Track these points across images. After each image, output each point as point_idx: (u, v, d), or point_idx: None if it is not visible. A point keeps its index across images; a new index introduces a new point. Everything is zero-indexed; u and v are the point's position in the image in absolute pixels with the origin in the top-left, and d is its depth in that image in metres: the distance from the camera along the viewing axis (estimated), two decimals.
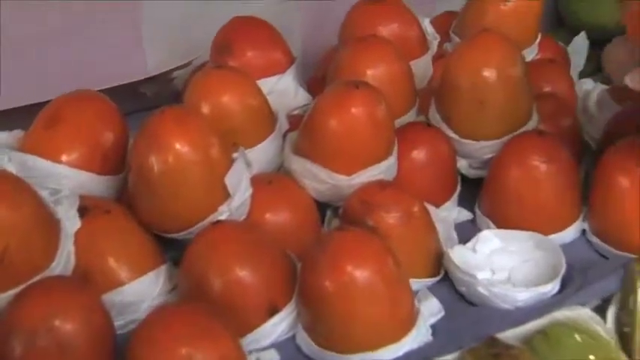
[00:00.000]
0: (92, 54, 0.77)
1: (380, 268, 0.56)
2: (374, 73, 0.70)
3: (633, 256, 0.62)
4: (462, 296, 0.63)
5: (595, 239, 0.67)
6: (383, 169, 0.65)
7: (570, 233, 0.67)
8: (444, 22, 0.84)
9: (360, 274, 0.55)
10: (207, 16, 0.80)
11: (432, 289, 0.63)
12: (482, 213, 0.70)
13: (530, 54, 0.81)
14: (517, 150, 0.67)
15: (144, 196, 0.61)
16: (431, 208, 0.66)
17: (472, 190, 0.71)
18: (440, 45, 0.82)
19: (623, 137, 0.68)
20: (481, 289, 0.61)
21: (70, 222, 0.58)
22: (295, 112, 0.73)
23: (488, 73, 0.68)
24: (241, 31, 0.74)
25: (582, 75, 0.87)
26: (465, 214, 0.71)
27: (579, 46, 0.88)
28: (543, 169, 0.66)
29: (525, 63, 0.70)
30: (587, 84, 0.81)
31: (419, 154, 0.69)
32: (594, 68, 0.89)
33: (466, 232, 0.68)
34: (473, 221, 0.71)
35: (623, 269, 0.61)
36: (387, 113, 0.65)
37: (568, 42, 0.89)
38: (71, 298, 0.54)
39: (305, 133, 0.66)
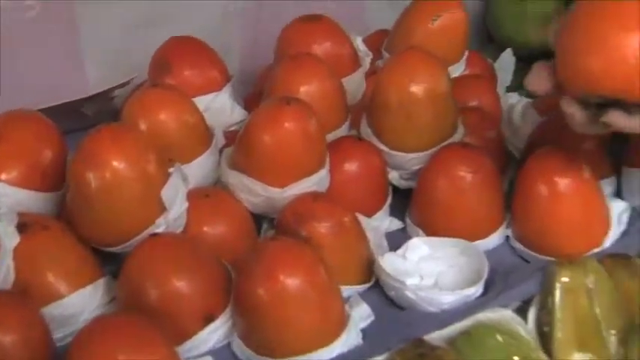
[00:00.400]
0: (32, 73, 0.79)
1: (311, 277, 0.59)
2: (307, 89, 0.73)
3: (552, 259, 0.66)
4: (391, 301, 0.66)
5: (517, 244, 0.71)
6: (315, 182, 0.68)
7: (494, 239, 0.71)
8: (377, 40, 0.88)
9: (293, 283, 0.58)
10: (147, 35, 0.82)
11: (363, 295, 0.66)
12: (412, 222, 0.73)
13: (458, 70, 0.84)
14: (443, 161, 0.71)
15: (82, 211, 0.63)
16: (362, 218, 0.69)
17: (403, 200, 0.75)
18: (373, 62, 0.85)
19: (543, 147, 0.72)
20: (409, 294, 0.64)
21: (9, 238, 0.60)
22: (232, 129, 0.76)
23: (415, 89, 0.71)
24: (179, 50, 0.77)
25: (509, 89, 0.91)
26: (396, 223, 0.74)
27: (506, 62, 0.92)
28: (468, 179, 0.70)
29: (450, 79, 0.74)
30: (513, 98, 0.85)
31: (350, 167, 0.72)
32: (521, 82, 0.93)
33: (397, 240, 0.71)
34: (404, 230, 0.74)
35: (542, 272, 0.65)
36: (318, 128, 0.68)
37: (496, 58, 0.93)
38: (10, 311, 0.56)
39: (240, 148, 0.69)
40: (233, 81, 0.79)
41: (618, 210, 0.70)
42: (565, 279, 0.63)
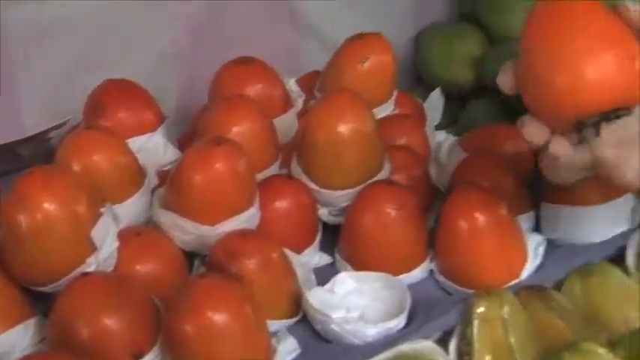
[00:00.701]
0: None
1: (237, 313, 0.61)
2: (238, 130, 0.75)
3: (472, 291, 0.69)
4: (318, 335, 0.68)
5: (441, 277, 0.73)
6: (245, 219, 0.71)
7: (419, 273, 0.74)
8: (310, 81, 0.91)
9: (219, 318, 0.60)
10: (83, 77, 0.84)
11: (291, 329, 0.68)
12: (341, 257, 0.75)
13: (387, 109, 0.88)
14: (369, 198, 0.74)
15: (13, 251, 0.64)
16: (290, 254, 0.72)
17: (333, 236, 0.77)
18: (306, 102, 0.88)
19: (464, 183, 0.75)
20: (335, 327, 0.67)
21: None
22: (165, 168, 0.78)
23: (342, 129, 0.74)
24: (113, 93, 0.79)
25: (438, 127, 0.94)
26: (325, 259, 0.77)
27: (435, 101, 0.96)
28: (392, 215, 0.73)
29: (375, 119, 0.77)
30: (440, 135, 0.89)
31: (280, 205, 0.74)
32: (450, 121, 0.97)
33: (327, 275, 0.74)
34: (333, 264, 0.76)
35: (463, 304, 0.68)
36: (248, 168, 0.70)
37: (426, 97, 0.97)
38: None
39: (171, 187, 0.71)
40: (167, 122, 0.82)
41: (535, 243, 0.73)
42: (482, 310, 0.67)
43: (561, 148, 0.60)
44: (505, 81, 0.63)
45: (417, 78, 1.02)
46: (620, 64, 0.58)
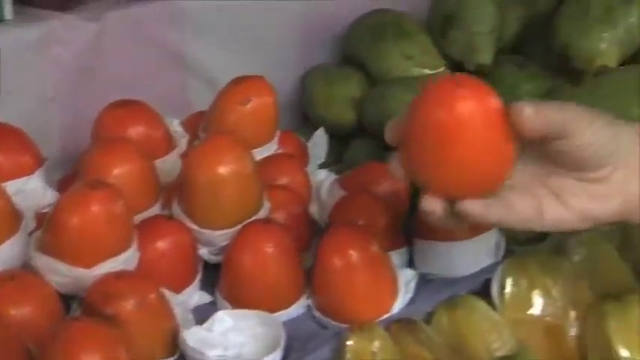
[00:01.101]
0: None
1: (110, 355, 0.61)
2: (118, 172, 0.76)
3: (346, 326, 0.72)
4: None
5: (317, 313, 0.76)
6: (122, 261, 0.71)
7: (296, 309, 0.76)
8: (195, 122, 0.92)
9: None
10: None
11: None
12: (221, 295, 0.77)
13: (270, 149, 0.90)
14: (246, 237, 0.76)
15: None
16: (169, 294, 0.73)
17: (214, 275, 0.79)
18: (190, 143, 0.90)
19: (339, 221, 0.78)
20: None
21: None
22: (44, 211, 0.78)
23: (220, 171, 0.76)
24: None
25: (324, 166, 0.97)
26: (205, 298, 0.78)
27: (319, 141, 0.99)
28: (269, 253, 0.75)
29: (255, 160, 0.79)
30: (321, 174, 0.92)
31: (160, 245, 0.75)
32: (335, 159, 1.00)
33: (208, 314, 0.75)
34: (214, 303, 0.78)
35: (337, 338, 0.71)
36: (124, 210, 0.71)
37: (311, 137, 1.00)
38: None
39: (47, 230, 0.71)
40: (49, 164, 0.82)
41: (406, 278, 0.77)
42: (353, 344, 0.69)
43: (430, 208, 0.61)
44: (390, 137, 0.64)
45: (303, 118, 1.06)
46: (488, 170, 0.59)
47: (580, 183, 0.61)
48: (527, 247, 0.82)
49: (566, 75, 0.94)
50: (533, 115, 0.58)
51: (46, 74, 0.89)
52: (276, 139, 0.91)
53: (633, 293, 0.73)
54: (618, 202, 0.61)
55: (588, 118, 0.60)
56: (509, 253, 0.80)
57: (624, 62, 0.93)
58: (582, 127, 0.60)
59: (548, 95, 0.93)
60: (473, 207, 0.59)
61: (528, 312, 0.75)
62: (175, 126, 0.89)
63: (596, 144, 0.60)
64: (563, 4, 0.95)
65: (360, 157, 0.96)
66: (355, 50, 1.03)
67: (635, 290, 0.74)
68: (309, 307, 0.77)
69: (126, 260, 0.72)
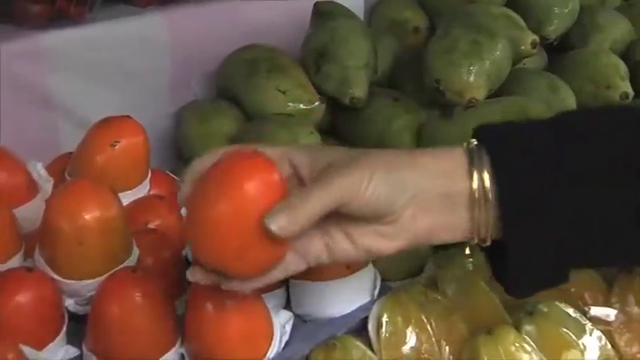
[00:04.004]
0: None
1: None
2: None
3: None
4: None
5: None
6: None
7: (169, 358, 0.73)
8: (62, 164, 0.88)
9: None
10: None
11: None
12: (87, 348, 0.73)
13: (142, 190, 0.87)
14: (113, 286, 0.72)
15: None
16: (30, 351, 0.69)
17: (83, 327, 0.75)
18: (56, 186, 0.85)
19: None
20: None
21: None
22: None
23: (85, 217, 0.73)
24: None
25: None
26: (72, 352, 0.74)
27: None
28: (137, 302, 0.71)
29: (121, 204, 0.76)
30: None
31: (19, 299, 0.71)
32: None
33: None
34: (81, 357, 0.74)
35: None
36: None
37: None
38: None
39: None
40: None
41: (282, 320, 0.75)
42: None
43: (194, 279, 0.64)
44: (180, 196, 0.66)
45: (177, 156, 1.03)
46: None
47: (370, 225, 0.63)
48: (402, 281, 0.82)
49: (438, 108, 0.95)
50: (285, 226, 0.60)
51: None
52: (147, 180, 0.88)
53: (504, 325, 0.74)
54: (406, 237, 0.63)
55: (368, 174, 0.61)
56: (384, 289, 0.80)
57: (493, 94, 0.96)
58: (361, 190, 0.61)
59: (421, 127, 0.95)
60: None
61: (404, 347, 0.75)
62: (39, 170, 0.84)
63: (379, 199, 0.61)
64: (432, 40, 0.97)
65: None
66: (229, 85, 1.01)
67: (506, 322, 0.75)
68: (182, 356, 0.74)
69: None
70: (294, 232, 0.60)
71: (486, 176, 0.62)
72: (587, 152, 0.63)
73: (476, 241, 0.64)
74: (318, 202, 0.60)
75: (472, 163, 0.63)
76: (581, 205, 0.62)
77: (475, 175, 0.62)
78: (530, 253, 0.63)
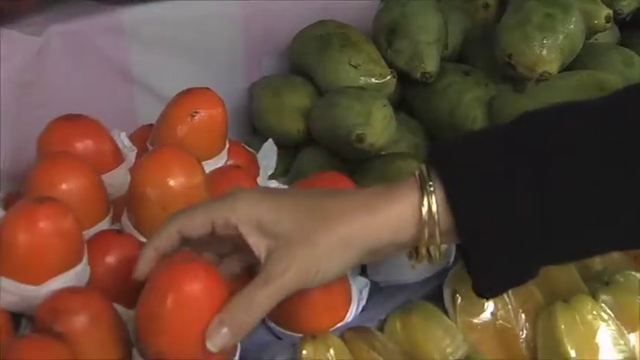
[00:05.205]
0: None
1: None
2: (65, 187, 0.75)
3: (300, 336, 0.72)
4: None
5: (271, 324, 0.76)
6: (72, 277, 0.70)
7: None
8: (143, 135, 0.91)
9: None
10: None
11: None
12: None
13: (220, 161, 0.89)
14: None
15: None
16: (121, 309, 0.72)
17: None
18: (139, 156, 0.88)
19: None
20: None
21: None
22: None
23: (169, 183, 0.76)
24: None
25: (274, 176, 0.97)
26: None
27: (268, 152, 0.98)
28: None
29: (204, 172, 0.79)
30: (272, 185, 0.92)
31: (110, 260, 0.74)
32: (285, 169, 1.00)
33: None
34: None
35: (292, 348, 0.71)
36: (73, 224, 0.70)
37: (261, 148, 1.00)
38: None
39: None
40: None
41: (359, 286, 0.77)
42: (308, 354, 0.69)
43: None
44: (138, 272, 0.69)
45: (252, 129, 1.05)
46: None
47: None
48: None
49: (509, 82, 0.96)
50: (228, 343, 0.64)
51: None
52: (225, 150, 0.91)
53: (580, 295, 0.75)
54: None
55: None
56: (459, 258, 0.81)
57: (565, 69, 0.96)
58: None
59: (493, 100, 0.95)
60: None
61: (480, 316, 0.76)
62: (123, 139, 0.88)
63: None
64: (505, 14, 0.98)
65: (309, 167, 0.96)
66: (301, 60, 1.03)
67: (582, 292, 0.76)
68: (262, 318, 0.77)
69: (76, 276, 0.71)
70: (237, 342, 0.67)
71: (434, 199, 0.64)
72: (544, 152, 0.64)
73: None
74: (261, 308, 0.65)
75: (422, 188, 0.65)
76: (540, 204, 0.63)
77: (425, 201, 0.65)
78: (489, 258, 0.65)
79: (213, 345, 0.63)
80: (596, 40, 1.03)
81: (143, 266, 0.68)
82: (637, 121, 0.64)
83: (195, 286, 0.64)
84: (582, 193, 0.64)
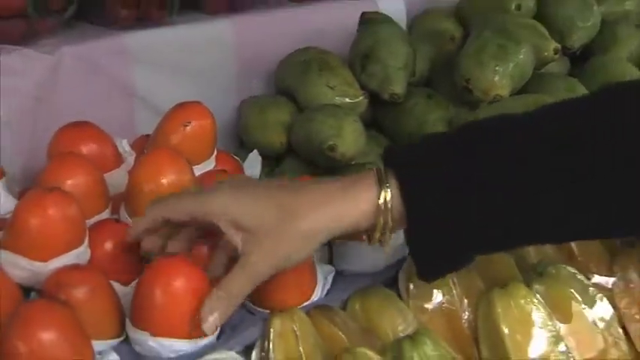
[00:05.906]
0: None
1: (64, 329, 0.71)
2: (72, 182, 0.87)
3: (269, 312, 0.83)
4: (138, 353, 0.79)
5: (246, 301, 0.85)
6: (75, 256, 0.81)
7: None
8: (141, 144, 1.04)
9: (47, 336, 0.70)
10: None
11: (116, 348, 0.78)
12: None
13: (209, 166, 1.01)
14: None
15: None
16: (117, 285, 0.83)
17: None
18: (137, 160, 1.00)
19: None
20: (151, 343, 0.78)
21: None
22: (5, 216, 0.88)
23: (162, 181, 0.88)
24: None
25: None
26: None
27: (253, 161, 1.09)
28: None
29: (193, 172, 0.91)
30: None
31: (108, 244, 0.85)
32: (268, 177, 1.12)
33: None
34: None
35: (263, 322, 0.81)
36: (77, 211, 0.82)
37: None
38: None
39: (9, 229, 0.81)
40: (7, 177, 0.93)
41: (325, 273, 0.88)
42: (277, 326, 0.80)
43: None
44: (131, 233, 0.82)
45: (240, 142, 1.17)
46: None
47: None
48: None
49: (466, 104, 1.08)
50: (219, 322, 0.77)
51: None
52: (213, 157, 1.02)
53: (516, 283, 0.85)
54: None
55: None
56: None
57: (516, 93, 1.08)
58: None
59: (452, 120, 1.07)
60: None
61: (430, 300, 0.86)
62: (124, 145, 1.00)
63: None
64: (465, 44, 1.10)
65: (289, 175, 1.08)
66: (286, 82, 1.15)
67: (518, 280, 0.86)
68: None
69: (78, 256, 0.82)
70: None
71: (389, 191, 0.75)
72: (484, 152, 0.75)
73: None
74: (242, 293, 0.77)
75: (380, 183, 0.76)
76: (479, 198, 0.74)
77: (382, 194, 0.75)
78: (429, 243, 0.76)
79: (208, 330, 0.76)
80: (546, 70, 1.15)
81: (133, 231, 0.82)
82: (581, 125, 0.74)
83: (179, 279, 0.77)
84: (517, 188, 0.74)
